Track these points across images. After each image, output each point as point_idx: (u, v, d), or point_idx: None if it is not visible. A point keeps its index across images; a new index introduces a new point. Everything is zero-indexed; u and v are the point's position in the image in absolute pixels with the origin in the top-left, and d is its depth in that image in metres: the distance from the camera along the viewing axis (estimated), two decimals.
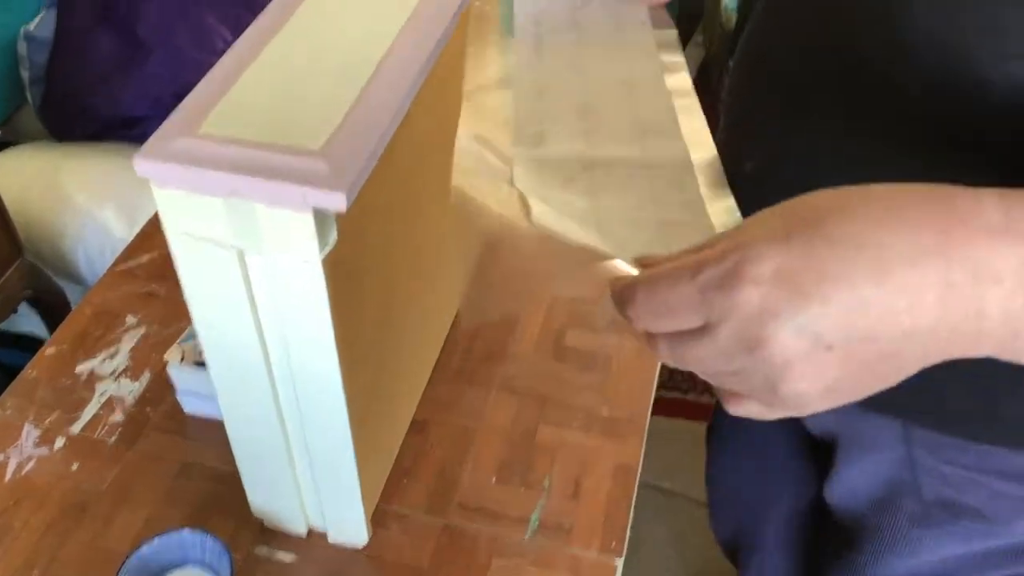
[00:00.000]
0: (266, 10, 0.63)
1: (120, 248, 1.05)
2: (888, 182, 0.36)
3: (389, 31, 0.60)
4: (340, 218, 0.50)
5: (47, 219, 1.42)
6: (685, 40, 2.32)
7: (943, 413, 0.62)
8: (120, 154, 1.48)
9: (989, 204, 0.34)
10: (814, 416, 0.70)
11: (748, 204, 0.65)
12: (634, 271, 0.43)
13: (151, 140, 0.49)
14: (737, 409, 0.41)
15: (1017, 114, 0.48)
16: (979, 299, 0.34)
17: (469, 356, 0.86)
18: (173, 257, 0.54)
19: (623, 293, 0.41)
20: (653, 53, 0.66)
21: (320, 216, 0.48)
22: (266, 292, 0.54)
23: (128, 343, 0.89)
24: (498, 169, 0.56)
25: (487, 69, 0.67)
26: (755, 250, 0.35)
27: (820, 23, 0.60)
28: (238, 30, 1.56)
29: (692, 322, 0.38)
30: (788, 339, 0.35)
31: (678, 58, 0.65)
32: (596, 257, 0.45)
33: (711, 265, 0.37)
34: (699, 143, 0.57)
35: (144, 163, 0.48)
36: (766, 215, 0.38)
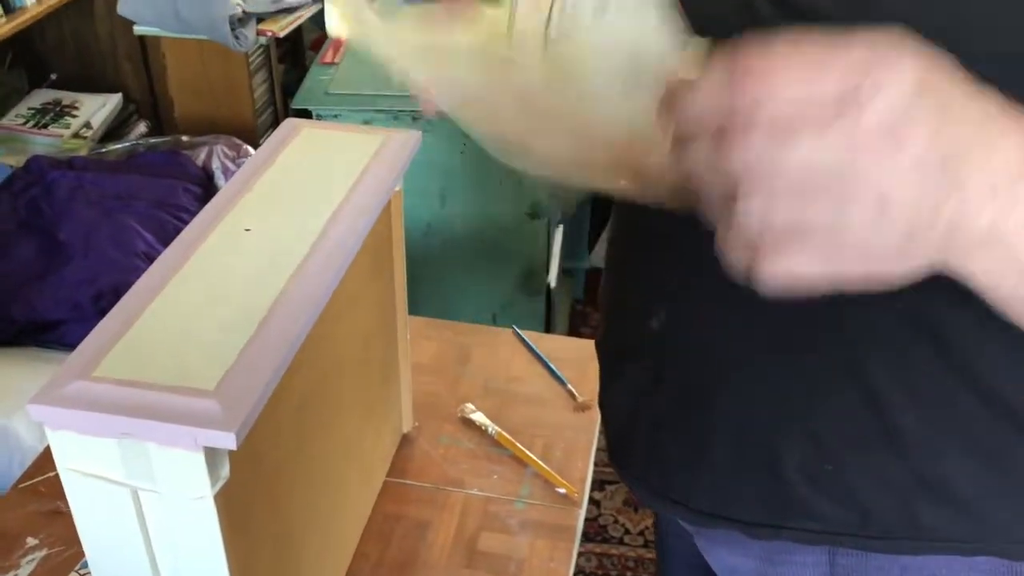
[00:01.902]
0: (179, 237, 0.66)
1: (31, 459, 1.03)
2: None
3: (297, 253, 0.63)
4: (233, 452, 0.51)
5: None
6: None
7: (867, 526, 0.61)
8: (34, 360, 1.47)
9: None
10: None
11: (657, 364, 0.66)
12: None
13: (46, 385, 0.50)
14: (785, 261, 0.39)
15: None
16: None
17: (380, 567, 0.85)
18: (66, 493, 0.54)
19: (748, 57, 0.36)
20: None
21: (211, 454, 0.49)
22: (160, 528, 0.54)
23: (27, 568, 0.85)
24: None
25: None
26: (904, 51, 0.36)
27: None
28: (159, 233, 1.59)
29: (838, 87, 0.35)
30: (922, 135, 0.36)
31: None
32: None
33: (862, 46, 0.36)
34: None
35: (38, 408, 0.49)
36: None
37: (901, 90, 0.35)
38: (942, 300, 0.54)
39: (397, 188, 0.81)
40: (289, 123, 0.83)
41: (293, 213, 0.68)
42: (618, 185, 0.50)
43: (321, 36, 2.26)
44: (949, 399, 0.57)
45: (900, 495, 0.60)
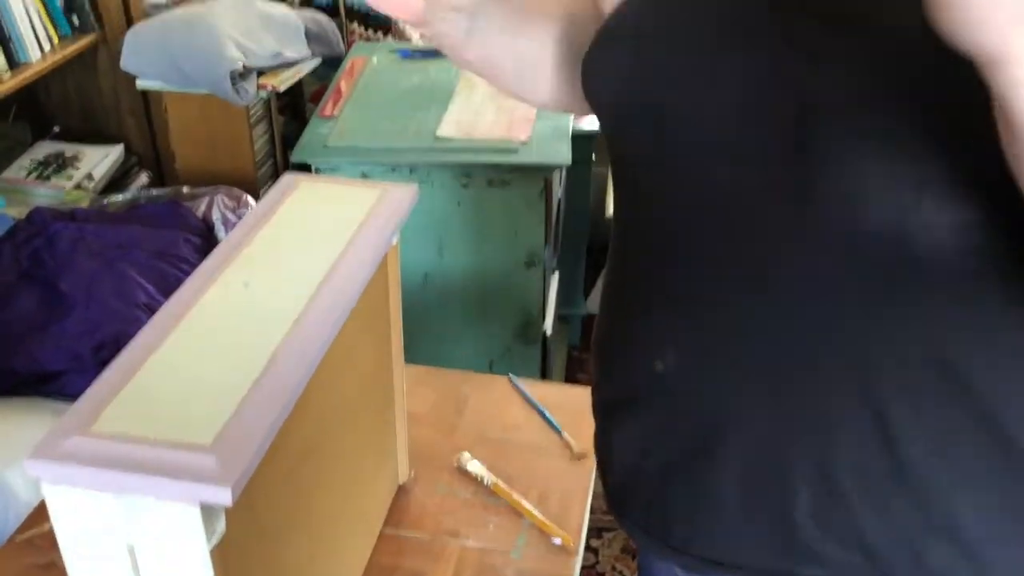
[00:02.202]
0: (178, 292, 0.67)
1: (26, 513, 1.03)
2: None
3: (294, 308, 0.64)
4: (230, 508, 0.52)
5: None
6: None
7: (874, 569, 0.62)
8: (32, 410, 1.48)
9: None
10: None
11: (663, 410, 0.66)
12: None
13: (44, 440, 0.51)
14: None
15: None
16: None
17: None
18: (61, 547, 0.55)
19: None
20: None
21: (208, 508, 0.50)
22: None
23: None
24: None
25: None
26: None
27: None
28: (160, 283, 1.61)
29: None
30: None
31: None
32: None
33: None
34: None
35: (36, 463, 0.50)
36: None
37: None
38: (960, 341, 0.56)
39: (394, 241, 0.82)
40: (288, 177, 0.84)
41: (291, 268, 0.70)
42: None
43: (321, 88, 2.30)
44: (963, 440, 0.58)
45: (908, 536, 0.61)
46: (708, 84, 0.61)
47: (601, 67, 0.70)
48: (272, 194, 0.82)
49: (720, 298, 0.63)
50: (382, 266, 0.81)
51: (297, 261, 0.71)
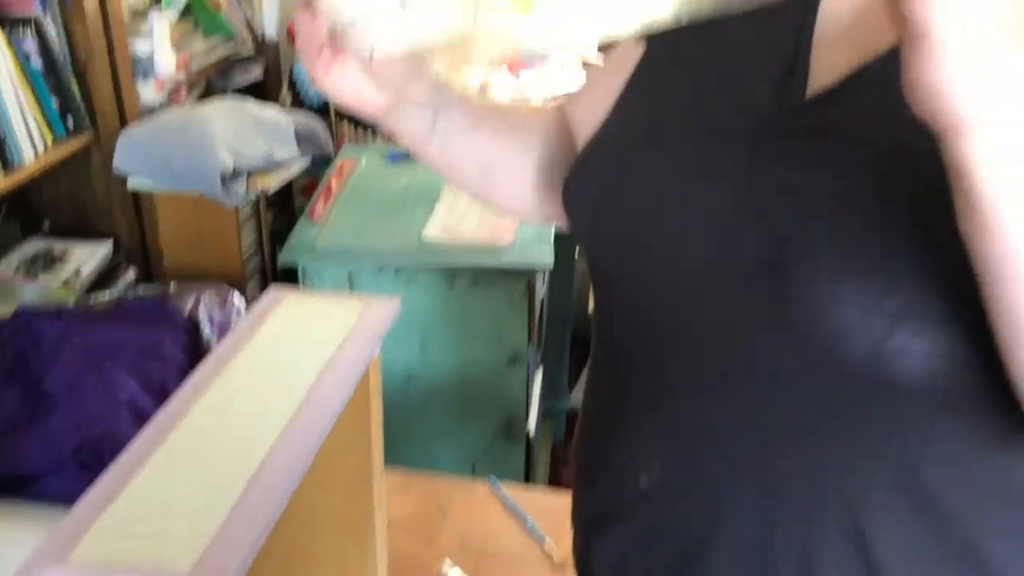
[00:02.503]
0: (161, 410, 0.69)
1: None
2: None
3: (276, 426, 0.66)
4: None
5: None
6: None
7: None
8: (10, 515, 1.46)
9: None
10: None
11: (648, 523, 0.66)
12: None
13: (22, 570, 0.52)
14: None
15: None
16: None
17: None
18: None
19: None
20: None
21: None
22: None
23: None
24: None
25: None
26: None
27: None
28: (144, 382, 1.61)
29: None
30: None
31: None
32: None
33: None
34: None
35: None
36: None
37: None
38: (934, 465, 0.57)
39: (375, 354, 0.84)
40: (273, 291, 0.87)
41: (274, 385, 0.71)
42: None
43: (310, 182, 2.34)
44: (947, 570, 0.59)
45: None
46: (683, 213, 0.63)
47: (579, 193, 0.72)
48: (258, 308, 0.83)
49: (699, 414, 0.64)
50: (363, 379, 0.83)
51: (280, 379, 0.72)
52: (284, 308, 0.84)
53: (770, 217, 0.58)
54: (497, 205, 0.87)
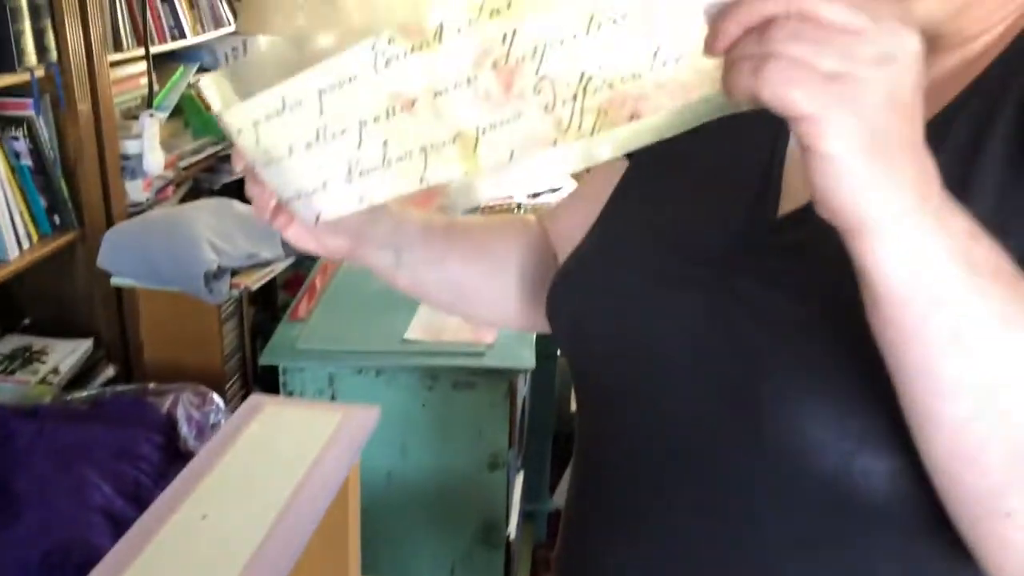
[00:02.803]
0: (135, 525, 0.68)
1: None
2: None
3: (252, 541, 0.65)
4: None
5: None
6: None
7: None
8: None
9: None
10: None
11: None
12: None
13: None
14: (789, 74, 0.42)
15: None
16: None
17: None
18: None
19: None
20: None
21: None
22: None
23: None
24: None
25: None
26: None
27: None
28: (118, 485, 1.59)
29: None
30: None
31: None
32: None
33: None
34: None
35: None
36: None
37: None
38: (898, 572, 0.58)
39: (355, 463, 0.84)
40: (252, 400, 0.87)
41: (251, 498, 0.71)
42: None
43: (294, 276, 2.36)
44: None
45: None
46: (658, 327, 0.65)
47: (562, 304, 0.74)
48: (236, 418, 0.83)
49: (673, 520, 0.65)
50: (342, 489, 0.82)
51: (257, 491, 0.72)
52: (264, 416, 0.84)
53: (740, 334, 0.60)
54: (476, 320, 0.88)
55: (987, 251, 0.46)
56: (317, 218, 0.59)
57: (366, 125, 0.54)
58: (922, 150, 0.45)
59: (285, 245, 2.12)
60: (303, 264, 2.22)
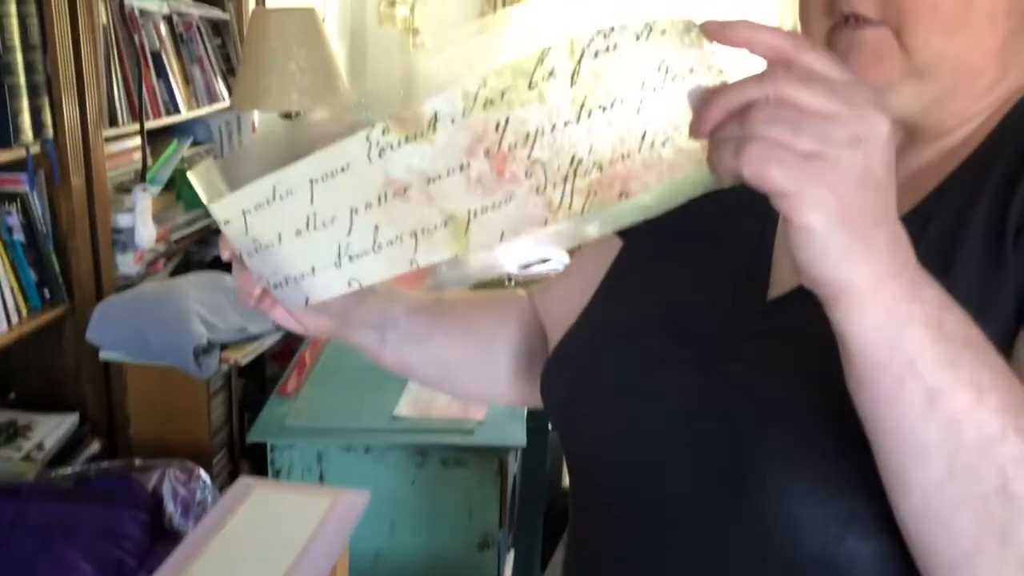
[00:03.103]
0: None
1: None
2: None
3: None
4: None
5: None
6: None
7: None
8: None
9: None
10: None
11: None
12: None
13: None
14: (768, 156, 0.44)
15: None
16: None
17: None
18: None
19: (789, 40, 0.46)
20: None
21: None
22: None
23: None
24: None
25: None
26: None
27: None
28: (100, 565, 1.55)
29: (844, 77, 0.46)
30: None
31: None
32: None
33: None
34: None
35: None
36: None
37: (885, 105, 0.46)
38: None
39: (344, 548, 0.82)
40: (242, 483, 0.86)
41: None
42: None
43: (284, 348, 2.35)
44: None
45: None
46: (649, 407, 0.66)
47: (554, 383, 0.75)
48: (225, 502, 0.83)
49: None
50: (331, 573, 0.81)
51: None
52: (253, 500, 0.83)
53: (728, 416, 0.61)
54: (464, 396, 0.89)
55: (958, 321, 0.49)
56: (306, 301, 0.60)
57: (357, 212, 0.55)
58: (896, 223, 0.48)
59: None
60: (293, 336, 2.21)
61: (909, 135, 0.66)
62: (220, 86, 2.75)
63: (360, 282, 0.57)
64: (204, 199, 0.59)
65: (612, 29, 0.46)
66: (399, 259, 0.55)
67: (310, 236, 0.56)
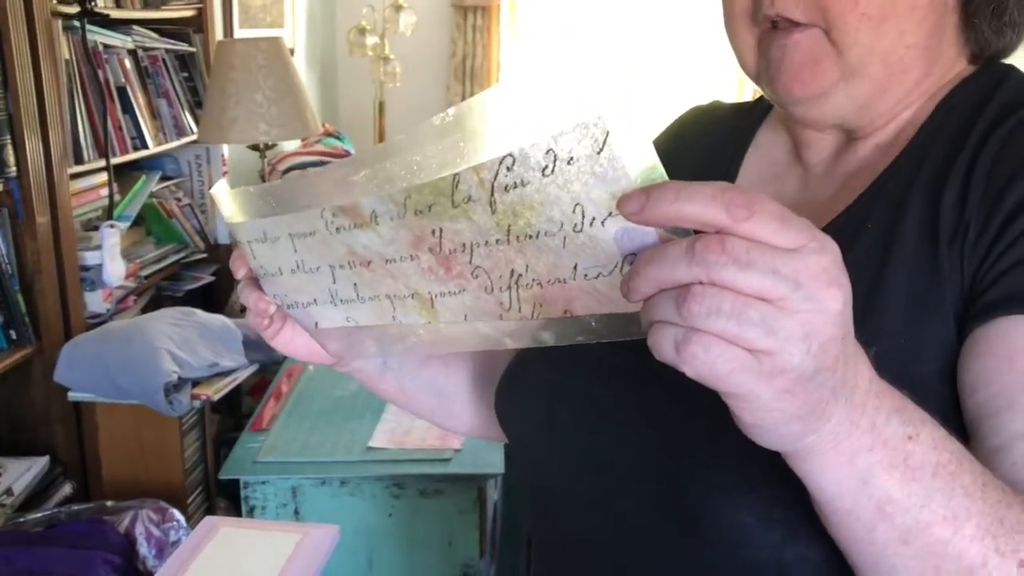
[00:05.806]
0: None
1: None
2: None
3: None
4: None
5: None
6: None
7: None
8: None
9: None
10: None
11: None
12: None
13: None
14: (711, 349, 0.39)
15: None
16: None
17: None
18: None
19: (742, 198, 0.39)
20: None
21: None
22: None
23: None
24: None
25: None
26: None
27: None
28: None
29: (795, 239, 0.39)
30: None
31: None
32: None
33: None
34: None
35: None
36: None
37: (837, 259, 0.41)
38: None
39: None
40: (208, 522, 0.83)
41: None
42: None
43: (260, 382, 2.31)
44: None
45: None
46: (592, 425, 0.67)
47: (505, 410, 0.77)
48: (190, 541, 0.80)
49: None
50: None
51: None
52: (219, 539, 0.81)
53: (667, 422, 0.62)
54: (458, 431, 0.89)
55: (926, 444, 0.46)
56: (316, 325, 0.62)
57: (335, 268, 0.55)
58: (851, 371, 0.44)
59: (248, 353, 2.09)
60: (268, 370, 2.18)
61: (844, 135, 0.67)
62: (188, 119, 2.73)
63: (356, 321, 0.58)
64: (224, 214, 0.61)
65: (514, 160, 0.41)
66: (382, 314, 0.55)
67: (303, 277, 0.58)
